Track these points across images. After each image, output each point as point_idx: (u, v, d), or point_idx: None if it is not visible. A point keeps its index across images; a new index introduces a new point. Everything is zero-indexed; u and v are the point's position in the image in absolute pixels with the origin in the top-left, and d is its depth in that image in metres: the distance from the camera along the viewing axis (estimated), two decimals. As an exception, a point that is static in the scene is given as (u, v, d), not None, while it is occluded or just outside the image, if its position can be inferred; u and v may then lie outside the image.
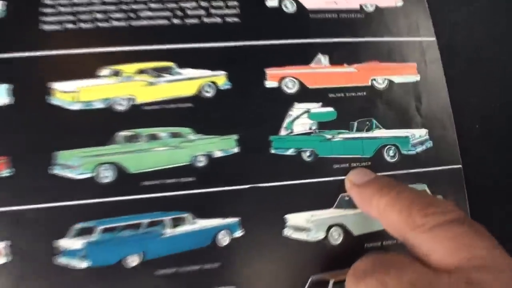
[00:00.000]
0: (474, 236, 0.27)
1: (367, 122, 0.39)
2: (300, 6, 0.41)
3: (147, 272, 0.34)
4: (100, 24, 0.38)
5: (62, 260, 0.33)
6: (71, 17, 0.38)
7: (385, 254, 0.29)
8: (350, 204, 0.37)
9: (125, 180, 0.35)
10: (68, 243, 0.33)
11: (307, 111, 0.39)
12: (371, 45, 0.41)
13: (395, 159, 0.39)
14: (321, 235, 0.37)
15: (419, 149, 0.40)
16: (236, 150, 0.37)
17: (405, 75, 0.41)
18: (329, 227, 0.37)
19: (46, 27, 0.37)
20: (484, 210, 0.40)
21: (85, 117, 0.36)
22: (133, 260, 0.34)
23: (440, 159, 0.40)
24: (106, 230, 0.34)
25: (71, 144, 0.35)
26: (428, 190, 0.39)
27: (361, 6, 0.42)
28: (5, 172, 0.34)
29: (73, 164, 0.35)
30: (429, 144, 0.40)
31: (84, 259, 0.33)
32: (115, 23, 0.38)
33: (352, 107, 0.39)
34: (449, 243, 0.27)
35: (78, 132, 0.35)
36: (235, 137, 0.37)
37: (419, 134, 0.40)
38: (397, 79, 0.41)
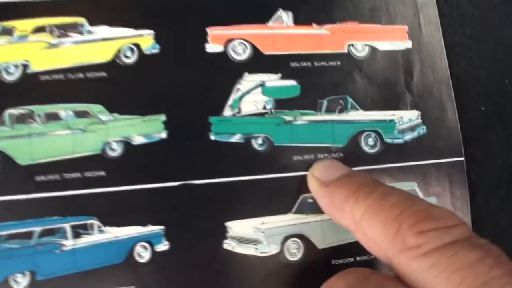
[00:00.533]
0: (492, 265, 0.19)
1: (341, 101, 0.31)
2: None
3: None
4: None
5: None
6: None
7: (369, 273, 0.21)
8: (314, 208, 0.29)
9: (12, 174, 0.27)
10: None
11: (261, 85, 0.30)
12: (349, 0, 0.32)
13: (376, 149, 0.31)
14: (274, 249, 0.29)
15: (409, 136, 0.32)
16: (163, 135, 0.29)
17: (393, 40, 0.33)
18: (285, 238, 0.29)
19: None
20: (487, 212, 0.33)
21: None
22: (19, 281, 0.26)
23: (436, 150, 0.32)
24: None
25: None
26: (418, 191, 0.31)
27: None
28: None
29: None
30: (422, 130, 0.32)
31: None
32: None
33: (321, 80, 0.31)
34: (455, 277, 0.19)
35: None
36: (162, 118, 0.29)
37: (408, 117, 0.32)
38: (382, 45, 0.32)
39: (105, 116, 0.28)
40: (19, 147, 0.27)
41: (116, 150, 0.28)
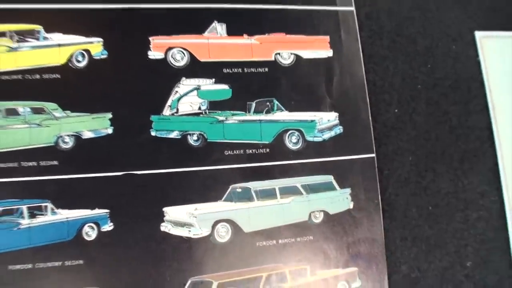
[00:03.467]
0: None
1: (268, 103, 0.42)
2: (195, -36, 0.43)
3: None
4: None
5: None
6: None
7: None
8: (242, 197, 0.40)
9: None
10: None
11: (197, 88, 0.41)
12: (277, 14, 0.43)
13: (298, 146, 0.42)
14: (205, 232, 0.39)
15: (327, 135, 0.43)
16: (109, 131, 0.39)
17: (316, 49, 0.44)
18: (216, 223, 0.40)
19: None
20: (397, 204, 0.44)
21: None
22: None
23: (351, 147, 0.43)
24: None
25: None
26: (334, 182, 0.42)
27: None
28: None
29: None
30: (339, 130, 0.43)
31: None
32: None
33: (251, 85, 0.42)
34: None
35: None
36: (109, 115, 0.39)
37: (327, 118, 0.43)
38: (306, 54, 0.44)
39: (58, 113, 0.38)
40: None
41: (68, 143, 0.38)
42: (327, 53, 0.44)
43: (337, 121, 0.43)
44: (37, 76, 0.39)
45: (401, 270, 0.44)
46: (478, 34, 0.50)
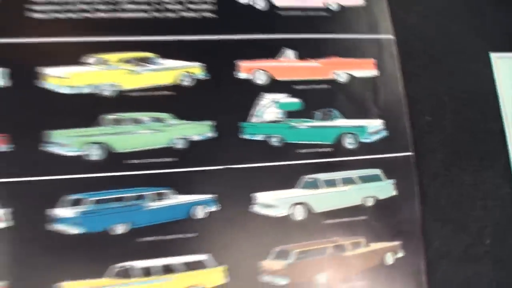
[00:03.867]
0: None
1: (329, 112, 0.55)
2: (270, 3, 0.56)
3: (131, 239, 0.48)
4: (86, 15, 0.52)
5: (57, 227, 0.47)
6: (58, 7, 0.51)
7: None
8: (311, 185, 0.53)
9: (112, 158, 0.49)
10: (62, 212, 0.47)
11: (276, 102, 0.54)
12: (333, 42, 0.57)
13: (353, 146, 0.55)
14: (285, 212, 0.52)
15: (375, 137, 0.56)
16: (211, 134, 0.52)
17: (365, 70, 0.57)
18: (293, 205, 0.52)
19: (36, 15, 0.51)
20: (430, 193, 0.57)
21: (74, 100, 0.50)
22: (119, 228, 0.48)
23: (393, 147, 0.56)
24: (97, 202, 0.48)
25: (61, 125, 0.49)
26: (381, 175, 0.55)
27: (325, 5, 0.57)
28: (5, 148, 0.48)
29: (62, 142, 0.49)
30: (384, 133, 0.56)
31: (76, 226, 0.47)
32: (100, 14, 0.52)
33: (315, 98, 0.55)
34: None
35: (68, 114, 0.49)
36: (210, 123, 0.52)
37: (375, 124, 0.56)
38: (357, 73, 0.57)
39: (172, 121, 0.51)
40: (115, 140, 0.50)
41: (181, 145, 0.51)
42: (374, 72, 0.57)
43: (382, 127, 0.56)
44: (156, 93, 0.52)
45: (433, 245, 0.57)
46: (493, 55, 0.63)
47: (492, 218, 0.59)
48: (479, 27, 0.64)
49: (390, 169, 0.56)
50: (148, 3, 0.53)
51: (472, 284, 0.57)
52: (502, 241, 0.59)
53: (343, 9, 0.58)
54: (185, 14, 0.54)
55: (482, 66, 0.62)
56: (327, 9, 0.58)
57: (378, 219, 0.54)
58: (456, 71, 0.61)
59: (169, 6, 0.54)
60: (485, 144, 0.60)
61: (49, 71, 0.50)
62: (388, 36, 0.59)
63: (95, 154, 0.49)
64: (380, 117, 0.56)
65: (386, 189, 0.55)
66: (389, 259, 0.54)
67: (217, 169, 0.51)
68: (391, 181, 0.56)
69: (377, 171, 0.55)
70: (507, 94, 0.61)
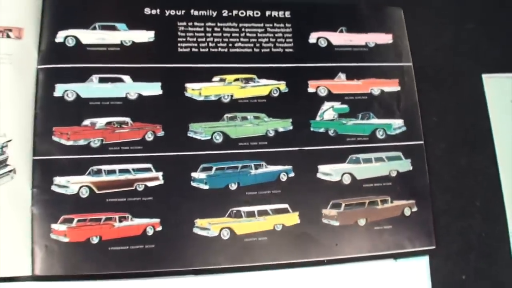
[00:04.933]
0: None
1: (367, 114, 0.77)
2: (329, 43, 0.78)
3: (241, 193, 0.70)
4: (213, 50, 0.75)
5: (194, 184, 0.71)
6: (196, 44, 0.75)
7: None
8: (355, 161, 0.75)
9: (229, 142, 0.72)
10: (197, 175, 0.71)
11: (332, 107, 0.76)
12: (371, 68, 0.78)
13: (383, 137, 0.77)
14: (338, 178, 0.75)
15: (398, 131, 0.77)
16: (291, 127, 0.74)
17: (392, 86, 0.79)
18: (343, 174, 0.75)
19: (180, 50, 0.75)
20: (436, 169, 0.78)
21: (206, 105, 0.73)
22: (233, 186, 0.72)
23: (410, 138, 0.77)
24: (218, 169, 0.71)
25: (197, 119, 0.71)
26: (402, 155, 0.77)
27: (366, 43, 0.80)
28: (160, 134, 0.71)
29: (198, 131, 0.72)
30: (404, 128, 0.77)
31: (205, 184, 0.71)
32: (221, 50, 0.76)
33: (358, 105, 0.77)
34: None
35: (201, 113, 0.72)
36: (290, 120, 0.74)
37: (398, 122, 0.78)
38: (386, 89, 0.78)
39: (266, 118, 0.74)
40: (231, 130, 0.73)
41: (272, 133, 0.74)
42: (397, 88, 0.78)
43: (402, 124, 0.77)
44: (255, 101, 0.75)
45: (437, 205, 0.75)
46: (484, 76, 0.83)
47: (481, 188, 0.75)
48: (475, 55, 0.83)
49: (408, 152, 0.75)
50: (251, 43, 0.77)
51: (466, 233, 0.74)
52: (489, 203, 0.75)
53: (377, 45, 0.79)
54: (274, 49, 0.76)
55: (475, 84, 0.82)
56: (367, 46, 0.80)
57: (399, 185, 0.73)
58: (456, 88, 0.81)
59: (264, 45, 0.76)
60: (477, 137, 0.76)
61: (189, 85, 0.72)
62: (408, 63, 0.79)
63: (218, 139, 0.72)
64: (401, 117, 0.77)
65: (405, 165, 0.74)
66: (407, 212, 0.73)
67: (294, 150, 0.72)
68: (408, 160, 0.74)
69: (399, 153, 0.74)
70: (493, 102, 0.82)
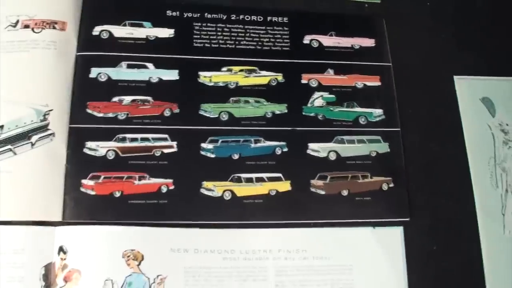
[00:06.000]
0: None
1: (351, 103, 0.89)
2: (320, 44, 0.92)
3: (241, 162, 0.81)
4: (221, 46, 0.89)
5: (203, 153, 0.83)
6: (208, 41, 0.89)
7: None
8: (339, 141, 0.87)
9: (233, 120, 0.85)
10: (205, 145, 0.83)
11: (321, 96, 0.89)
12: (356, 66, 0.91)
13: (365, 123, 0.88)
14: (325, 154, 0.86)
15: (378, 118, 0.89)
16: (286, 111, 0.87)
17: (373, 82, 0.91)
18: (329, 151, 0.87)
19: (195, 45, 0.89)
20: (411, 150, 0.90)
21: (215, 89, 0.86)
22: (235, 156, 0.84)
23: (388, 125, 0.89)
24: (223, 142, 0.83)
25: (207, 100, 0.85)
26: (381, 139, 0.89)
27: (352, 45, 0.93)
28: (176, 111, 0.84)
29: (208, 110, 0.85)
30: (383, 117, 0.89)
31: (212, 153, 0.83)
32: (229, 46, 0.89)
33: (344, 95, 0.90)
34: None
35: (211, 95, 0.85)
36: (285, 105, 0.87)
37: (378, 111, 0.90)
38: (369, 83, 0.91)
39: (265, 102, 0.87)
40: (235, 110, 0.86)
41: (270, 115, 0.86)
42: (378, 83, 0.89)
43: (382, 113, 0.89)
44: (257, 88, 0.87)
45: (411, 183, 0.82)
46: (456, 77, 0.93)
47: (451, 171, 0.84)
48: (447, 59, 0.94)
49: (386, 137, 0.85)
50: (254, 41, 0.90)
51: (437, 210, 0.83)
52: (458, 184, 0.85)
53: (361, 48, 0.92)
54: (273, 48, 0.89)
55: (446, 84, 0.92)
56: (352, 48, 0.92)
57: (378, 163, 0.83)
58: (430, 86, 0.91)
59: (265, 43, 0.89)
60: (448, 128, 0.87)
61: (202, 73, 0.85)
62: (388, 63, 0.90)
63: (224, 117, 0.85)
64: (381, 108, 0.88)
65: (383, 147, 0.84)
66: (385, 187, 0.82)
67: (287, 129, 0.84)
68: (387, 143, 0.84)
69: (378, 137, 0.84)
70: (463, 100, 0.93)
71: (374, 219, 0.80)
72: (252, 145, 0.80)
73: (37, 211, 0.73)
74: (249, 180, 0.78)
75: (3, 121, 0.76)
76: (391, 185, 0.82)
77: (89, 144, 0.77)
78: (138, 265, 0.71)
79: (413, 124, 0.86)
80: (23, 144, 0.75)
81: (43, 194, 0.74)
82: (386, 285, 0.78)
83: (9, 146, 0.75)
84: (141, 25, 0.84)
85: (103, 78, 0.80)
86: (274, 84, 0.83)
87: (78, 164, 0.76)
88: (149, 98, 0.80)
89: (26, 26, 0.81)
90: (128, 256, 0.71)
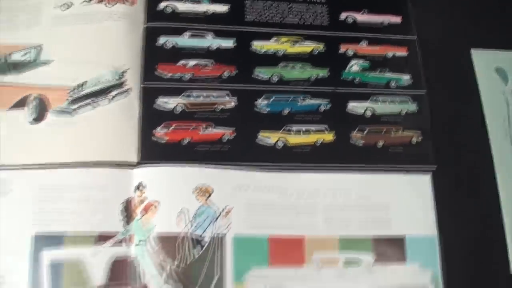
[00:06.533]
0: None
1: (384, 69, 1.01)
2: (354, 20, 1.04)
3: (291, 116, 0.92)
4: (269, 21, 1.02)
5: (258, 109, 0.95)
6: (257, 15, 1.02)
7: None
8: (376, 100, 0.99)
9: (283, 81, 0.97)
10: (261, 101, 0.94)
11: (357, 63, 1.01)
12: (386, 38, 1.04)
13: (395, 86, 1.00)
14: (362, 111, 0.97)
15: (406, 83, 1.01)
16: (327, 75, 0.99)
17: (401, 52, 1.03)
18: (366, 108, 0.98)
19: (246, 19, 1.01)
20: (438, 117, 1.02)
21: (268, 56, 0.98)
22: (286, 111, 0.96)
23: (415, 88, 1.01)
24: (275, 99, 0.95)
25: (261, 65, 0.96)
26: (410, 99, 1.01)
27: (382, 21, 1.06)
28: (234, 72, 0.96)
29: (261, 72, 0.97)
30: (411, 81, 1.00)
31: (266, 108, 0.95)
32: (276, 21, 1.02)
33: (377, 63, 1.02)
34: None
35: (264, 61, 0.97)
36: (327, 69, 0.97)
37: (406, 77, 1.01)
38: (397, 53, 1.01)
39: (309, 68, 0.99)
40: (284, 73, 0.98)
41: (314, 79, 0.98)
42: (406, 53, 0.98)
43: (410, 78, 0.98)
44: (301, 56, 1.00)
45: (436, 138, 0.98)
46: (473, 50, 1.00)
47: (468, 125, 0.96)
48: (465, 33, 1.05)
49: (414, 98, 0.97)
50: (297, 18, 1.03)
51: (460, 161, 0.94)
52: (477, 139, 0.97)
53: (389, 23, 1.03)
54: (314, 23, 1.01)
55: (466, 55, 1.03)
56: (382, 23, 0.99)
57: (408, 120, 0.94)
58: (450, 57, 1.04)
59: (307, 20, 1.02)
60: (466, 93, 0.98)
61: (254, 42, 0.97)
62: (413, 37, 1.01)
63: (275, 79, 0.97)
64: (409, 73, 1.00)
65: (412, 107, 0.93)
66: (414, 140, 0.92)
67: (330, 90, 0.95)
68: (415, 103, 0.94)
69: (408, 98, 0.98)
70: (480, 69, 1.04)
71: (406, 166, 0.90)
72: (300, 102, 0.92)
73: (116, 154, 0.84)
74: (298, 131, 0.89)
75: (86, 78, 0.87)
76: (420, 139, 0.92)
77: (160, 99, 0.88)
78: (207, 199, 0.82)
79: (437, 88, 0.96)
80: (103, 99, 0.86)
81: (121, 140, 0.85)
82: (418, 222, 0.88)
83: (91, 99, 0.86)
84: (199, 2, 0.96)
85: (169, 46, 0.92)
86: (316, 53, 0.96)
87: (150, 117, 0.88)
88: (210, 61, 0.91)
89: (100, 1, 0.93)
90: (199, 191, 0.82)
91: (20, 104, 0.87)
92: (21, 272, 0.78)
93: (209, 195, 0.82)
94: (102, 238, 0.80)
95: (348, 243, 0.85)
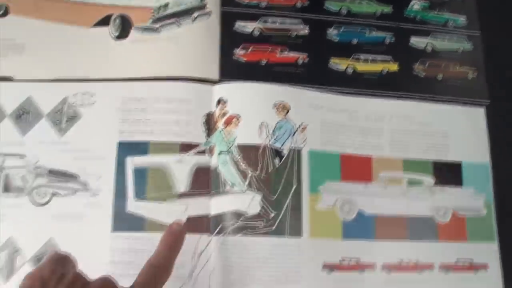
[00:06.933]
0: None
1: (443, 9, 1.08)
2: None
3: (359, 46, 0.97)
4: None
5: (329, 37, 1.00)
6: None
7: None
8: (435, 37, 1.05)
9: (351, 14, 1.01)
10: (331, 30, 1.00)
11: (418, 2, 1.08)
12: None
13: (452, 26, 1.07)
14: (423, 46, 1.04)
15: (462, 24, 1.08)
16: (391, 11, 1.04)
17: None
18: (427, 43, 1.05)
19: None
20: (492, 55, 1.08)
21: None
22: (354, 41, 1.00)
23: (471, 28, 1.08)
24: (344, 30, 0.99)
25: (329, -1, 1.03)
26: (466, 39, 1.07)
27: None
28: (305, 4, 1.02)
29: (332, 5, 1.02)
30: (466, 22, 1.07)
31: (336, 36, 1.00)
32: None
33: (436, 4, 1.09)
34: None
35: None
36: (391, 6, 1.03)
37: (462, 18, 1.08)
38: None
39: (375, 4, 1.05)
40: (352, 6, 1.02)
41: (378, 14, 1.04)
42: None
43: (465, 19, 1.05)
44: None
45: (490, 75, 1.07)
46: None
47: None
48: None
49: (470, 38, 1.01)
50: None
51: None
52: None
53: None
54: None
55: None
56: None
57: (464, 57, 0.99)
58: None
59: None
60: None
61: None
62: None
63: (344, 12, 1.01)
64: (465, 14, 1.06)
65: (468, 46, 0.98)
66: (470, 76, 0.97)
67: (394, 25, 1.00)
68: (470, 42, 0.98)
69: (464, 37, 1.04)
70: None
71: (463, 98, 0.96)
72: (367, 33, 0.97)
73: (199, 71, 0.89)
74: (366, 59, 0.95)
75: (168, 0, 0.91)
76: (475, 75, 0.98)
77: (238, 23, 0.93)
78: (286, 114, 0.87)
79: (492, 29, 1.03)
80: (185, 19, 0.91)
81: (203, 58, 0.90)
82: (473, 149, 0.95)
83: (174, 19, 0.90)
84: None
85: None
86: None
87: (230, 38, 0.92)
88: (283, -8, 0.96)
89: None
90: (278, 106, 0.87)
91: (103, 22, 0.90)
92: (107, 176, 0.83)
93: (287, 112, 0.86)
94: (185, 147, 0.84)
95: (411, 165, 0.91)
